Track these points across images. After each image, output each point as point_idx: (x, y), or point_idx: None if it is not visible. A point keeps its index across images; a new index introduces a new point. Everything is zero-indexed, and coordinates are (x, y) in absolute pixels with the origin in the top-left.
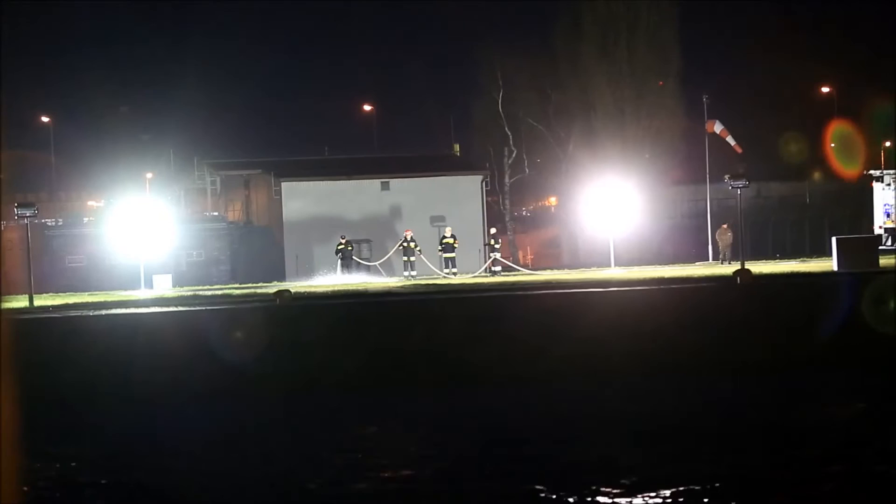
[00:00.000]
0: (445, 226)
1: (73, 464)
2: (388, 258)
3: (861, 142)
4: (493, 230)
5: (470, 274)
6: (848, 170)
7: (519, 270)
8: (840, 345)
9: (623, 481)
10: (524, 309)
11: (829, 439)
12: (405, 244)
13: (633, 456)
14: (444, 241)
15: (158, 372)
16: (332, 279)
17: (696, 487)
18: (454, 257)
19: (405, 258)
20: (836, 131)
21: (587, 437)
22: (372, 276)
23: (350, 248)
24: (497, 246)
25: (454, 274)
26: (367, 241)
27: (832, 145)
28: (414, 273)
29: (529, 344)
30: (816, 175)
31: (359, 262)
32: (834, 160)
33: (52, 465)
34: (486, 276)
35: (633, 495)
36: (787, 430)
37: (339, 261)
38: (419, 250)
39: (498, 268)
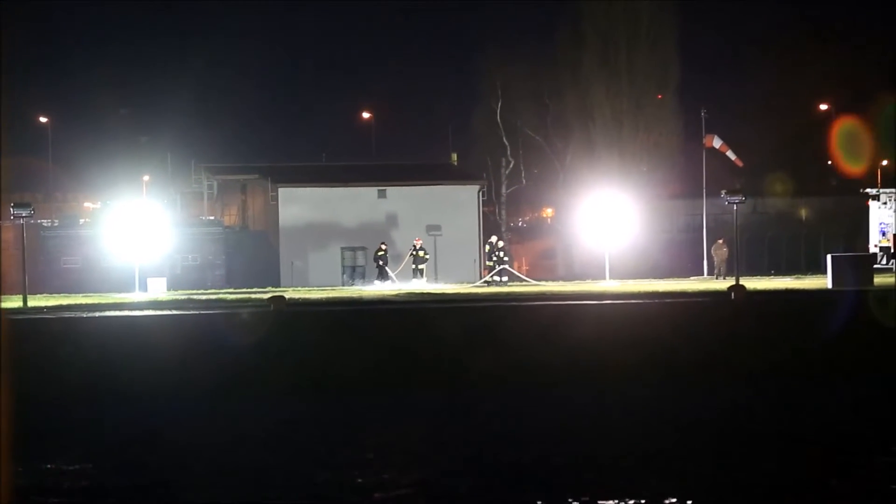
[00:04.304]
0: (440, 235)
1: (64, 465)
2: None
3: (868, 141)
4: (501, 243)
5: (468, 283)
6: (853, 167)
7: (527, 281)
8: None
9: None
10: (528, 319)
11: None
12: (414, 252)
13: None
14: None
15: (150, 374)
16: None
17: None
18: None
19: (414, 266)
20: (843, 129)
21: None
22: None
23: (388, 255)
24: (506, 258)
25: (504, 283)
26: (363, 248)
27: (839, 143)
28: (424, 280)
29: (533, 353)
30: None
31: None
32: (839, 159)
33: (42, 466)
34: (495, 287)
35: None
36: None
37: (378, 268)
38: (427, 258)
39: (505, 278)
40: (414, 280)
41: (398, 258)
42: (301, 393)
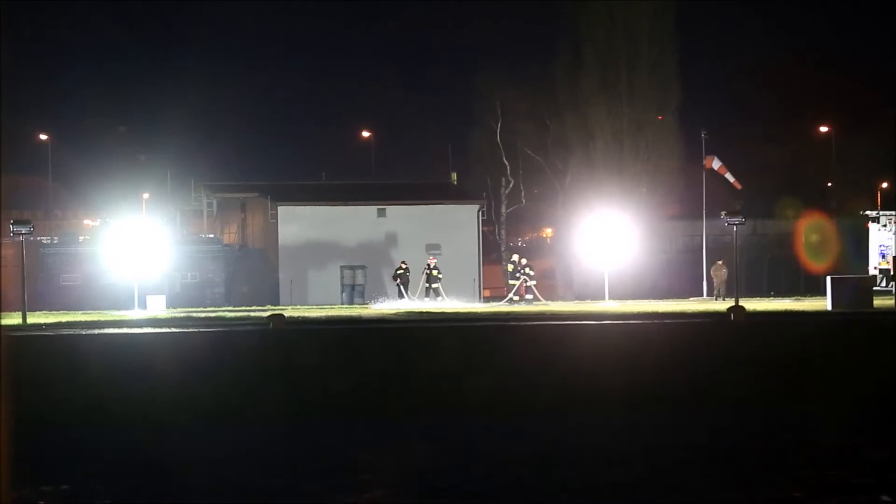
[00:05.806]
0: (439, 253)
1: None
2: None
3: (834, 237)
4: (524, 261)
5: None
6: (816, 265)
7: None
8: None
9: None
10: (529, 339)
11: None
12: (428, 271)
13: None
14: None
15: (148, 393)
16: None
17: None
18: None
19: (427, 285)
20: (811, 225)
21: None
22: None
23: (409, 274)
24: (531, 273)
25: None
26: (362, 267)
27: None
28: (441, 299)
29: (527, 375)
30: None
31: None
32: (804, 255)
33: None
34: (521, 306)
35: None
36: None
37: (398, 287)
38: (440, 277)
39: (530, 296)
40: (427, 299)
41: (432, 278)
42: (303, 414)
